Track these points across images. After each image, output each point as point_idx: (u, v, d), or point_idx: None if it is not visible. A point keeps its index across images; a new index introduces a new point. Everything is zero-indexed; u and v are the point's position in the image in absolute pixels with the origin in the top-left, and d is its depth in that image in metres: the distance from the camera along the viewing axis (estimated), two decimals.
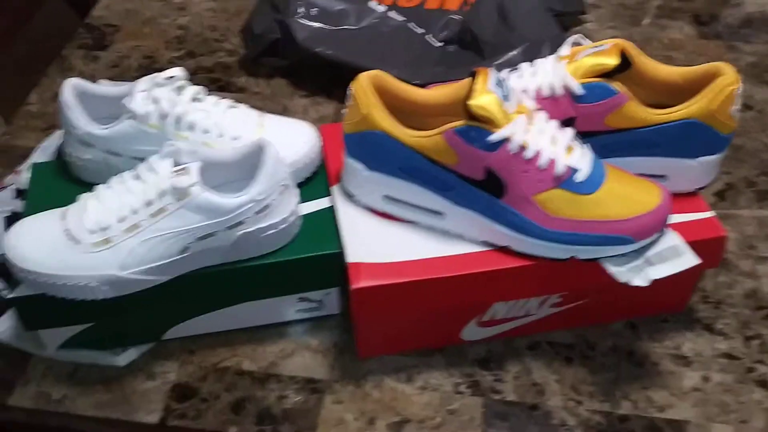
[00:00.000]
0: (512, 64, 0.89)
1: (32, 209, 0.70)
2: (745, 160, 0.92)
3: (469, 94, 0.61)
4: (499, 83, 0.63)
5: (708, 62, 0.69)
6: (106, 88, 0.73)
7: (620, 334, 0.75)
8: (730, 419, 0.68)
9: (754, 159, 0.92)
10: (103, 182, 0.71)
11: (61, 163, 0.76)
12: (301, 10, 0.97)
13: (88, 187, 0.72)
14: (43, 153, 0.79)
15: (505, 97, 0.62)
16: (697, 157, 0.69)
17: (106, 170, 0.72)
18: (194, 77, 1.00)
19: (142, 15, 1.12)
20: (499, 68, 0.89)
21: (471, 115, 0.62)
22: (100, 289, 0.64)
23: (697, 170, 0.70)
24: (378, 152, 0.67)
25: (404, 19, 0.99)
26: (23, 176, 0.78)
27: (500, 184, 0.64)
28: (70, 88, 0.71)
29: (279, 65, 1.01)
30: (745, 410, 0.69)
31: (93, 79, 1.01)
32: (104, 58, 1.04)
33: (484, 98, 0.61)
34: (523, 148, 0.62)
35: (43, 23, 1.66)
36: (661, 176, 0.71)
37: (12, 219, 0.79)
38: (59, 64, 1.03)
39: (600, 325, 0.75)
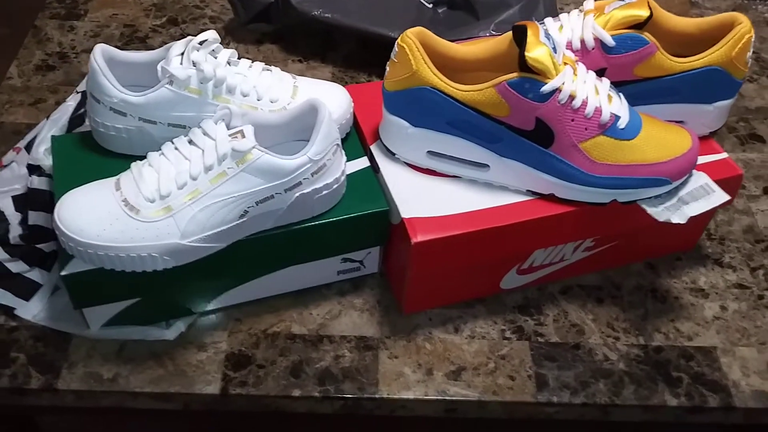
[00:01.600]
0: (510, 23, 0.92)
1: (63, 183, 0.68)
2: None
3: (523, 46, 0.63)
4: (547, 36, 0.65)
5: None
6: (134, 54, 0.71)
7: (641, 273, 0.80)
8: (752, 342, 0.74)
9: (732, 107, 0.98)
10: (136, 151, 0.70)
11: (82, 134, 0.73)
12: None
13: (119, 157, 0.71)
14: (53, 125, 0.76)
15: (554, 50, 0.65)
16: (713, 102, 0.74)
17: (139, 139, 0.70)
18: None
19: None
20: (499, 27, 0.92)
21: (524, 67, 0.64)
22: (162, 259, 0.62)
23: (712, 115, 0.75)
24: (425, 108, 0.68)
25: None
26: (39, 151, 0.75)
27: (549, 133, 0.66)
28: (100, 53, 0.68)
29: (267, 30, 0.99)
30: (763, 333, 0.75)
31: (74, 49, 0.96)
32: (82, 28, 0.99)
33: (539, 50, 0.63)
34: (572, 97, 0.65)
35: None
36: (680, 121, 0.75)
37: (22, 198, 0.76)
38: (35, 35, 0.98)
39: (622, 267, 0.80)
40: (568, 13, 0.75)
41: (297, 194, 0.65)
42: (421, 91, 0.67)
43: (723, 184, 0.73)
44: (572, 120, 0.66)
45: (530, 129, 0.66)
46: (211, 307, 0.72)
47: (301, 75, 0.96)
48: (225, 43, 0.99)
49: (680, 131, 0.70)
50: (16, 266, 0.72)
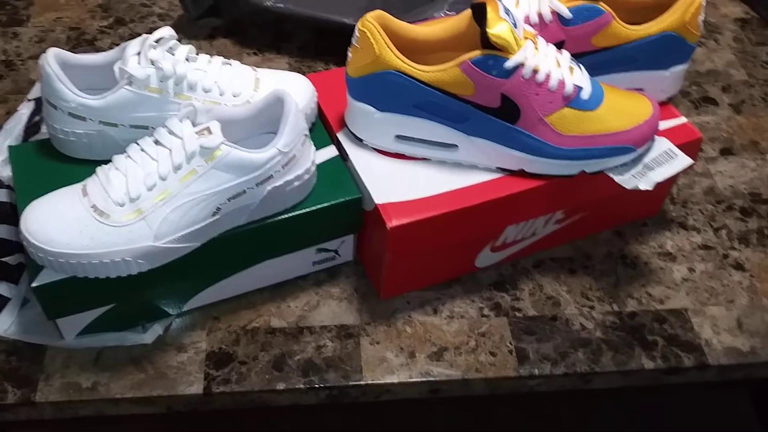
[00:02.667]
0: (465, 2, 0.92)
1: (25, 194, 0.66)
2: None
3: (484, 24, 0.64)
4: (507, 11, 0.65)
5: None
6: (88, 56, 0.69)
7: (610, 241, 0.81)
8: (720, 301, 0.76)
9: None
10: (98, 156, 0.68)
11: (40, 142, 0.71)
12: None
13: (81, 162, 0.69)
14: (8, 135, 0.73)
15: (514, 25, 0.65)
16: (669, 67, 0.76)
17: (101, 143, 0.68)
18: None
19: None
20: (453, 7, 0.92)
21: (486, 44, 0.64)
22: (136, 262, 0.61)
23: (669, 80, 0.77)
24: (390, 92, 0.68)
25: None
26: None
27: (515, 109, 0.67)
28: (53, 57, 0.66)
29: (218, 25, 0.98)
30: (730, 291, 0.77)
31: (20, 56, 0.94)
32: (26, 34, 0.97)
33: (500, 26, 0.64)
34: (535, 71, 0.66)
35: None
36: (639, 89, 0.77)
37: None
38: None
39: (592, 236, 0.81)
40: None
41: (269, 188, 0.64)
42: (385, 75, 0.67)
43: (684, 148, 0.74)
44: (537, 94, 0.66)
45: (496, 106, 0.67)
46: (188, 307, 0.71)
47: (258, 67, 0.95)
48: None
49: (640, 99, 0.71)
50: None
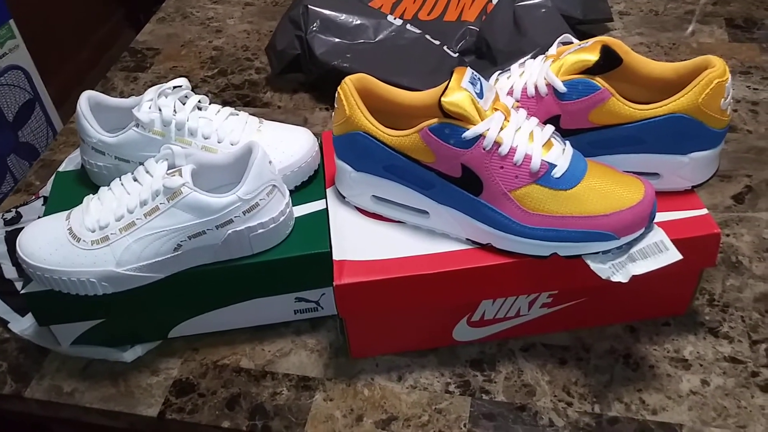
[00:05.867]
0: None
1: (50, 212, 0.76)
2: None
3: (443, 92, 0.63)
4: (474, 81, 0.64)
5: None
6: (118, 100, 0.78)
7: (619, 336, 0.73)
8: (728, 424, 0.66)
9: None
10: None
11: (82, 171, 0.82)
12: (320, 25, 1.00)
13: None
14: (70, 163, 0.85)
15: (479, 95, 0.63)
16: (689, 153, 0.68)
17: (117, 176, 0.76)
18: (223, 93, 1.06)
19: (182, 38, 1.19)
20: None
21: (445, 113, 0.63)
22: (100, 284, 0.68)
23: (689, 167, 0.69)
24: (362, 153, 0.69)
25: (421, 31, 1.01)
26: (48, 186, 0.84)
27: (477, 180, 0.64)
28: (86, 99, 0.76)
29: (302, 80, 1.04)
30: (745, 415, 0.66)
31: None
32: (143, 79, 1.11)
33: (457, 95, 0.62)
34: (497, 144, 0.63)
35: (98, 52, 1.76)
36: (654, 174, 0.70)
37: None
38: (103, 84, 1.10)
39: (598, 327, 0.74)
40: (535, 58, 0.73)
41: (229, 231, 0.68)
42: (355, 135, 0.68)
43: (698, 242, 0.67)
44: (501, 167, 0.63)
45: (458, 176, 0.65)
46: (173, 335, 0.76)
47: (324, 123, 1.00)
48: (262, 92, 1.05)
49: (632, 183, 0.65)
50: (21, 285, 0.81)
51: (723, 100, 0.65)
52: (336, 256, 0.68)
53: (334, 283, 0.66)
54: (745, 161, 0.90)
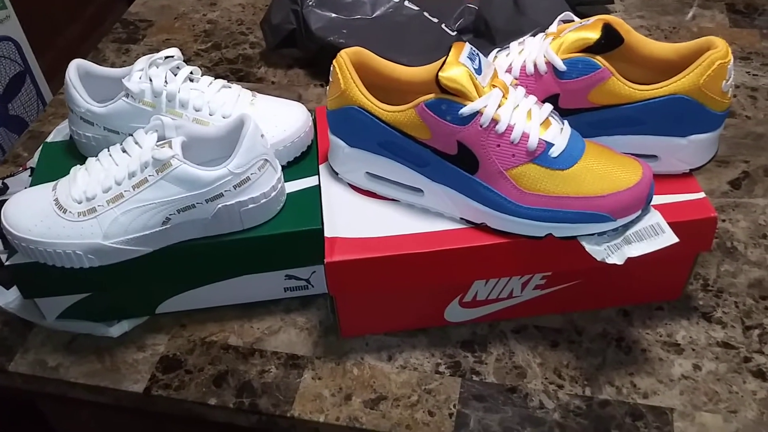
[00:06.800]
0: None
1: (37, 183, 0.74)
2: (765, 149, 0.88)
3: (440, 66, 0.61)
4: (472, 57, 0.62)
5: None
6: (108, 69, 0.77)
7: (611, 320, 0.73)
8: (719, 408, 0.65)
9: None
10: None
11: (70, 142, 0.80)
12: (317, 0, 0.98)
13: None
14: (58, 134, 0.83)
15: (477, 71, 0.62)
16: (688, 135, 0.67)
17: (106, 146, 0.75)
18: (216, 68, 1.04)
19: (176, 11, 1.17)
20: None
21: (442, 88, 0.62)
22: (86, 257, 0.67)
23: (688, 149, 0.68)
24: (357, 128, 0.67)
25: (419, 8, 1.00)
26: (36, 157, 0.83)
27: (473, 159, 0.63)
28: (75, 68, 0.74)
29: (298, 56, 1.03)
30: (737, 401, 0.66)
31: None
32: (135, 51, 1.09)
33: (455, 70, 0.61)
34: (495, 121, 0.62)
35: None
36: (653, 156, 0.69)
37: None
38: (95, 56, 1.08)
39: (592, 310, 0.73)
40: (535, 36, 0.71)
41: (219, 205, 0.67)
42: (350, 110, 0.67)
43: (694, 226, 0.66)
44: (498, 146, 0.62)
45: (453, 153, 0.64)
46: (160, 311, 0.75)
47: (319, 99, 0.99)
48: (256, 67, 1.04)
49: (630, 164, 0.64)
50: (5, 257, 0.80)
51: (724, 82, 0.64)
52: (328, 233, 0.67)
53: (325, 261, 0.65)
54: (743, 147, 0.89)
